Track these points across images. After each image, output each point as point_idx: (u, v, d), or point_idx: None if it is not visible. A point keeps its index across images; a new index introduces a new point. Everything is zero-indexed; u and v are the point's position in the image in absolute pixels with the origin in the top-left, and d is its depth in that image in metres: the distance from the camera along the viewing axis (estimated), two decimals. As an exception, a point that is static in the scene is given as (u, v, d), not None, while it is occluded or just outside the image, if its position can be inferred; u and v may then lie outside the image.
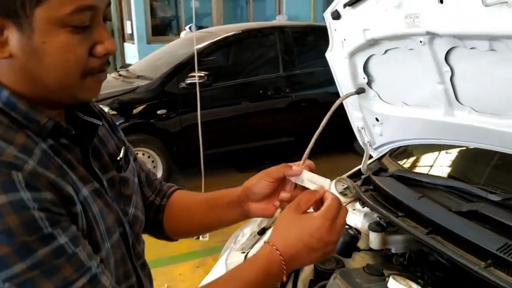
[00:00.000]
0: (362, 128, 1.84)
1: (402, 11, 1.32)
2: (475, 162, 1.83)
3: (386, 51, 1.51)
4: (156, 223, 1.05)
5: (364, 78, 1.67)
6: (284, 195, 0.96)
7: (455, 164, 1.85)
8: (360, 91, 0.66)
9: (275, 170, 0.96)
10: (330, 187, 0.90)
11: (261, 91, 4.93)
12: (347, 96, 0.64)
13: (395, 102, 1.64)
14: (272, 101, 4.96)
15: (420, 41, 1.34)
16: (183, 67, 4.74)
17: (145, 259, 0.95)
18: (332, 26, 1.61)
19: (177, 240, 1.14)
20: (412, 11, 1.29)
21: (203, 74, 4.43)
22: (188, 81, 4.62)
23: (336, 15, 1.58)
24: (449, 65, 1.34)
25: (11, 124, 0.71)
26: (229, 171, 5.25)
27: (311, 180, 0.92)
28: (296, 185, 0.96)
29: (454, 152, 1.87)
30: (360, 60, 1.62)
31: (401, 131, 1.70)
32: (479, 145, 1.43)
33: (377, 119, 1.75)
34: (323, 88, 5.16)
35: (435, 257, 1.62)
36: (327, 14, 1.60)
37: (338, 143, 5.35)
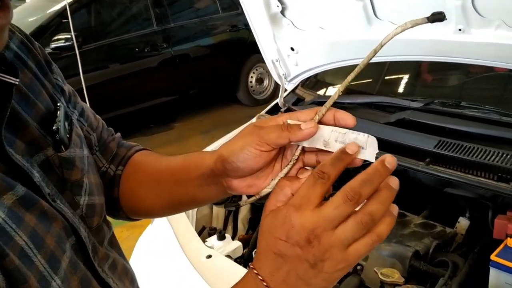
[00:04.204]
0: (276, 61, 1.82)
1: None
2: (390, 77, 1.95)
3: (301, -26, 1.49)
4: (110, 198, 0.75)
5: (277, 6, 1.63)
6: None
7: (370, 83, 1.94)
8: (434, 18, 0.47)
9: (273, 131, 0.55)
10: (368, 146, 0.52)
11: (137, 49, 4.64)
12: (416, 24, 0.49)
13: (311, 28, 1.64)
14: (150, 59, 4.71)
15: (340, -42, 1.33)
16: (44, 31, 4.24)
17: (116, 254, 0.68)
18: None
19: (137, 220, 0.81)
20: None
21: (70, 36, 4.00)
22: (54, 45, 4.16)
23: None
24: (368, -20, 1.36)
25: None
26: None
27: (340, 140, 0.54)
28: (303, 148, 0.57)
29: (365, 72, 1.95)
30: (273, -13, 1.58)
31: (318, 57, 1.71)
32: (400, 58, 1.51)
33: (292, 49, 1.75)
34: (203, 39, 5.06)
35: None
36: None
37: (221, 95, 5.34)
